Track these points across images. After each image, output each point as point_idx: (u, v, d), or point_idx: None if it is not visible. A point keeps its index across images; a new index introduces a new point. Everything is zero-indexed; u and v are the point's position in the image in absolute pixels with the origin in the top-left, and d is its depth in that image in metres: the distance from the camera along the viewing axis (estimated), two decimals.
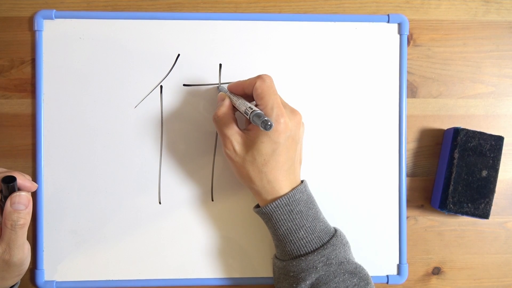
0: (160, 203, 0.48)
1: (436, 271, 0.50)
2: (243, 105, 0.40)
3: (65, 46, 0.47)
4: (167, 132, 0.48)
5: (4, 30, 0.47)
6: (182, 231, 0.48)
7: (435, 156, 0.50)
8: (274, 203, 0.41)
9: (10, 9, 0.48)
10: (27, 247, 0.40)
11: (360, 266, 0.42)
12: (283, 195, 0.41)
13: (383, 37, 0.49)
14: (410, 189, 0.50)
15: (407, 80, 0.49)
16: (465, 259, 0.50)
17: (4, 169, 0.40)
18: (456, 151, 0.46)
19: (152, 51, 0.47)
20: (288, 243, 0.41)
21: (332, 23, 0.49)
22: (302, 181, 0.43)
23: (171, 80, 0.48)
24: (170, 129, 0.48)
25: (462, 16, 0.50)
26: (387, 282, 0.49)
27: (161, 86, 0.47)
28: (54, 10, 0.47)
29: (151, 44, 0.47)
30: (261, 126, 0.35)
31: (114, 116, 0.47)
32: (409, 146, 0.50)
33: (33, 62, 0.47)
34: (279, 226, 0.41)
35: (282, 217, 0.41)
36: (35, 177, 0.47)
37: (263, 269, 0.48)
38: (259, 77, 0.41)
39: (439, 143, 0.50)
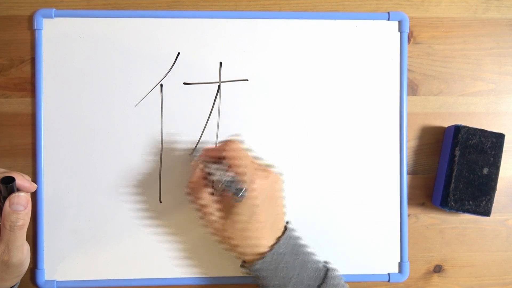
0: (160, 202, 0.47)
1: (438, 269, 0.50)
2: (216, 172, 0.39)
3: (65, 45, 0.47)
4: (167, 131, 0.47)
5: (3, 29, 0.47)
6: (182, 230, 0.47)
7: (436, 154, 0.50)
8: (258, 263, 0.40)
9: (10, 8, 0.47)
10: (26, 248, 0.40)
11: None
12: (267, 252, 0.40)
13: (383, 35, 0.49)
14: (411, 187, 0.50)
15: (408, 78, 0.49)
16: (467, 257, 0.50)
17: (3, 170, 0.40)
18: (457, 148, 0.46)
19: (152, 49, 0.47)
20: None
21: (332, 21, 0.48)
22: (286, 227, 0.42)
23: (171, 78, 0.47)
24: (170, 128, 0.47)
25: (463, 13, 0.50)
26: (389, 280, 0.49)
27: (161, 85, 0.47)
28: (54, 9, 0.47)
29: (151, 42, 0.47)
30: (234, 196, 0.35)
31: (114, 115, 0.47)
32: (409, 144, 0.50)
33: (33, 61, 0.47)
34: (266, 284, 0.40)
35: (269, 275, 0.40)
36: (35, 177, 0.47)
37: None
38: (228, 142, 0.41)
39: (439, 141, 0.50)
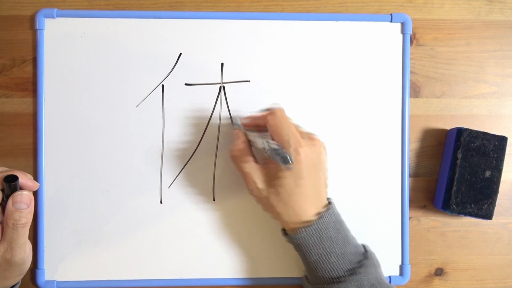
0: (161, 202, 0.47)
1: (439, 272, 0.50)
2: (259, 140, 0.39)
3: (66, 45, 0.47)
4: (168, 131, 0.47)
5: (5, 29, 0.47)
6: (183, 231, 0.47)
7: (438, 156, 0.50)
8: (303, 232, 0.40)
9: (12, 8, 0.47)
10: (28, 247, 0.40)
11: (392, 286, 0.42)
12: (312, 222, 0.40)
13: (386, 37, 0.49)
14: (412, 190, 0.50)
15: (410, 80, 0.49)
16: (468, 260, 0.50)
17: (6, 168, 0.40)
18: (459, 151, 0.46)
19: (153, 50, 0.47)
20: (319, 269, 0.40)
21: (335, 22, 0.48)
22: (329, 202, 0.42)
23: (173, 79, 0.47)
24: (171, 129, 0.47)
25: (466, 15, 0.50)
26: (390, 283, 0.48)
27: (163, 86, 0.47)
28: (56, 9, 0.47)
29: (153, 43, 0.47)
30: (282, 164, 0.35)
31: (116, 116, 0.47)
32: (411, 146, 0.49)
33: (34, 61, 0.47)
34: (309, 254, 0.40)
35: (312, 245, 0.40)
36: (36, 177, 0.47)
37: (265, 269, 0.48)
38: (269, 112, 0.41)
39: (442, 143, 0.50)
